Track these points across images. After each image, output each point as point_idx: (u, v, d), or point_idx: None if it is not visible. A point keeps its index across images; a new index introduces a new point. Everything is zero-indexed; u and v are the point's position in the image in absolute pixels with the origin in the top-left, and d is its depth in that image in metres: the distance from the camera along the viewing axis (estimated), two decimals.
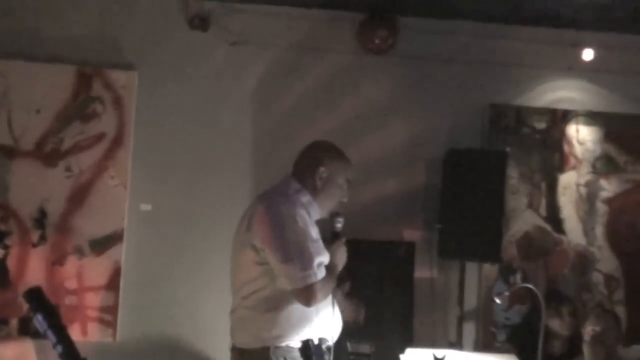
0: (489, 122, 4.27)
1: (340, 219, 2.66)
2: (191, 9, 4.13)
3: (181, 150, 4.15)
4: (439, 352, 3.10)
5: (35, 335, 3.84)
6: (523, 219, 4.23)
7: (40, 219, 4.02)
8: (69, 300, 3.96)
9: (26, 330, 3.91)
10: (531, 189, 4.27)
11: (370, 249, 3.97)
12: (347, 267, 3.80)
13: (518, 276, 4.09)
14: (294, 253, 2.43)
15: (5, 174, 4.01)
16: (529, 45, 4.31)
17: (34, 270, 3.97)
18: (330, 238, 2.63)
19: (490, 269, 4.16)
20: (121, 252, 4.02)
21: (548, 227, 4.25)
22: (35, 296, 1.81)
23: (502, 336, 4.14)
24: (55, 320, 1.79)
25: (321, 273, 2.46)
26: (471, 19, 4.23)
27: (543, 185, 4.28)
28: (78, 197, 4.04)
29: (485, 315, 4.18)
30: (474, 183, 3.96)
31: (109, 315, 3.99)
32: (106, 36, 4.14)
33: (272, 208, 2.51)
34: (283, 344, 2.47)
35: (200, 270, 4.05)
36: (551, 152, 4.31)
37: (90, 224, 4.01)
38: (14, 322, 3.93)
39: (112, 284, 4.00)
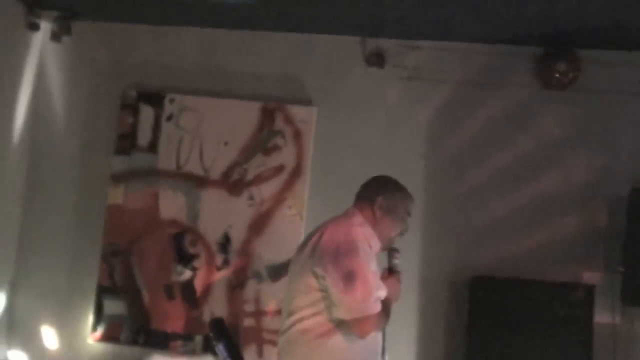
0: None
1: (398, 254, 2.69)
2: (368, 47, 4.27)
3: (356, 183, 4.23)
4: None
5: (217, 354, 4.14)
6: None
7: (225, 244, 4.31)
8: (247, 322, 4.19)
9: (209, 347, 4.19)
10: None
11: (545, 290, 3.82)
12: (518, 309, 3.75)
13: None
14: (355, 283, 2.44)
15: (195, 202, 4.36)
16: None
17: (217, 292, 4.26)
18: (386, 273, 2.67)
19: None
20: None
21: None
22: (219, 326, 1.95)
23: None
24: (235, 350, 1.91)
25: (378, 306, 2.49)
26: None
27: None
28: (258, 225, 4.28)
29: None
30: None
31: None
32: (288, 74, 4.39)
33: (336, 237, 2.54)
34: None
35: None
36: None
37: (269, 250, 4.23)
38: (198, 339, 4.23)
39: None
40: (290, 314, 2.60)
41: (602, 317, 3.84)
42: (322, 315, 2.51)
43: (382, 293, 2.55)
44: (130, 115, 4.47)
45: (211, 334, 1.96)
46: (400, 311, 3.99)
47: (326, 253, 2.50)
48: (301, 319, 2.54)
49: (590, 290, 3.81)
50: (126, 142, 4.45)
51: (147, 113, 4.45)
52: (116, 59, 4.58)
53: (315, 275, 2.51)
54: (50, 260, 4.46)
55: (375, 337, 2.58)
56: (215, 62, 4.48)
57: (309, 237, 2.67)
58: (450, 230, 4.15)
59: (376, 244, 2.65)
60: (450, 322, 4.02)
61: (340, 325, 2.49)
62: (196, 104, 4.40)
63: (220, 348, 1.92)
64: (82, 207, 4.51)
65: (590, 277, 3.94)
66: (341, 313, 2.48)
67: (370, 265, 2.53)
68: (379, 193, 2.70)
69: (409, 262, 4.05)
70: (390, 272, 2.68)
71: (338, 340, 2.50)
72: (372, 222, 2.66)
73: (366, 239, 2.58)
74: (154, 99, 4.45)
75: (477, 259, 4.03)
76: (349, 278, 2.45)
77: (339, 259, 2.48)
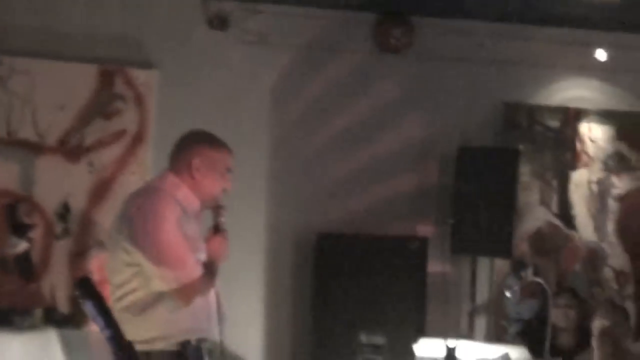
0: (502, 121, 4.35)
1: (224, 212, 2.57)
2: (211, 9, 4.23)
3: None
4: (451, 342, 3.17)
5: (58, 325, 3.99)
6: (535, 216, 4.30)
7: (64, 213, 4.14)
8: None
9: (50, 320, 4.03)
10: (543, 186, 4.34)
11: (384, 244, 4.06)
12: (360, 263, 3.95)
13: (529, 271, 4.16)
14: (166, 253, 2.37)
15: (30, 169, 4.14)
16: (542, 44, 4.37)
17: (57, 263, 4.10)
18: (212, 231, 2.53)
19: (502, 264, 4.24)
20: None
21: (560, 224, 4.32)
22: (86, 285, 1.89)
23: (513, 330, 4.21)
24: (104, 307, 1.87)
25: (196, 271, 2.41)
26: (485, 19, 4.30)
27: (555, 183, 4.35)
28: (100, 192, 4.15)
29: (496, 310, 4.25)
30: (486, 180, 4.05)
31: None
32: (128, 35, 4.25)
33: (142, 208, 2.42)
34: (157, 349, 2.39)
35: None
36: (563, 150, 4.37)
37: (112, 218, 4.07)
38: (38, 313, 4.04)
39: None
40: (112, 293, 2.45)
41: (434, 266, 4.16)
42: (141, 290, 2.40)
43: (201, 256, 2.47)
44: None
45: (77, 294, 1.88)
46: (247, 272, 4.11)
47: (133, 227, 2.38)
48: (122, 297, 2.42)
49: (424, 242, 4.10)
50: None
51: None
52: None
53: (126, 251, 2.38)
54: None
55: (203, 303, 2.48)
56: (48, 21, 4.23)
57: (119, 210, 2.51)
58: (295, 191, 4.27)
59: (194, 206, 2.52)
60: (296, 280, 4.16)
61: (161, 296, 2.39)
62: (28, 66, 4.15)
63: (88, 307, 1.85)
64: None
65: (424, 230, 4.24)
66: (158, 285, 2.38)
67: (185, 229, 2.42)
68: (193, 155, 2.51)
69: (254, 224, 4.17)
70: (216, 231, 2.54)
71: (162, 312, 2.40)
72: (190, 184, 2.51)
73: (178, 203, 2.45)
74: None
75: (321, 218, 4.19)
76: (160, 249, 2.36)
77: (146, 231, 2.36)
